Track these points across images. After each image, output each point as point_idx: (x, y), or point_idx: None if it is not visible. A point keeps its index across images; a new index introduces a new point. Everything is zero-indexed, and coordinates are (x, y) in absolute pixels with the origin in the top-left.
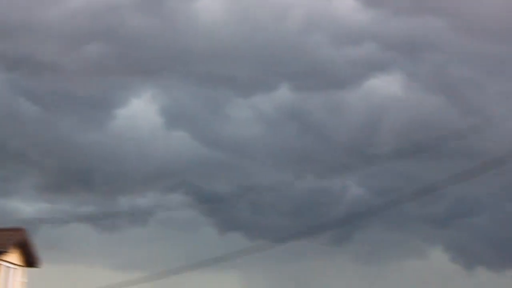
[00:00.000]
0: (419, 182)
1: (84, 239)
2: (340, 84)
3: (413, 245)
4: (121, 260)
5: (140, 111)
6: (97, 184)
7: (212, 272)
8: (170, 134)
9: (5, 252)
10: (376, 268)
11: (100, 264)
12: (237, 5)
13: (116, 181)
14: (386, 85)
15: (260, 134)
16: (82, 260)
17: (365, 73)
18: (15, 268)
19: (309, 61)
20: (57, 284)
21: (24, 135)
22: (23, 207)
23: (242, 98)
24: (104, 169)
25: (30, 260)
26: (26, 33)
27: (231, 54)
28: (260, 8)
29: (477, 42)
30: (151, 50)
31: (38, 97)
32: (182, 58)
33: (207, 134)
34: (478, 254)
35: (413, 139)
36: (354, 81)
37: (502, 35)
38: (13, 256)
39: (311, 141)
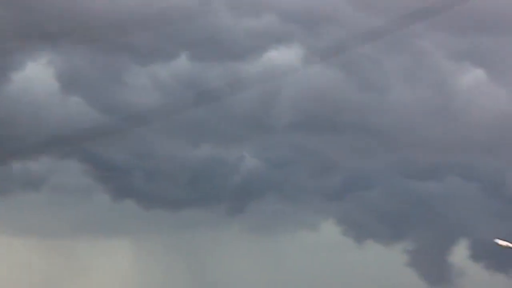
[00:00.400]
0: (315, 155)
1: None
2: (239, 55)
3: (306, 217)
4: (15, 225)
5: (36, 76)
6: None
7: (104, 238)
8: (66, 99)
9: None
10: (270, 239)
11: None
12: None
13: (9, 145)
14: (285, 58)
15: (157, 103)
16: None
17: (265, 45)
18: None
19: (209, 31)
20: None
21: None
22: None
23: (140, 66)
24: None
25: None
26: None
27: (131, 21)
28: None
29: (376, 18)
30: (49, 14)
31: None
32: (80, 24)
33: (103, 100)
34: (368, 227)
35: (310, 112)
36: (253, 52)
37: (400, 12)
38: None
39: (208, 111)
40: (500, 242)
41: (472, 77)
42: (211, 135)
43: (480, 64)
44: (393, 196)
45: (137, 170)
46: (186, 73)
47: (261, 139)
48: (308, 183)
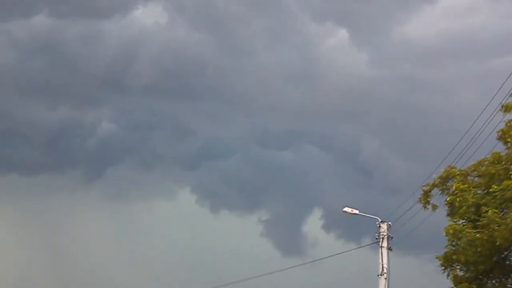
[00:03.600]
0: (172, 120)
1: None
2: (101, 13)
3: (162, 185)
4: None
5: None
6: None
7: None
8: None
9: None
10: (126, 207)
11: None
12: None
13: None
14: (149, 17)
15: (12, 62)
16: None
17: (130, 3)
18: None
19: None
20: None
21: None
22: None
23: None
24: None
25: None
26: None
27: None
28: None
29: None
30: None
31: None
32: None
33: None
34: (223, 197)
35: (169, 75)
36: (117, 10)
37: None
38: None
39: (65, 72)
40: (347, 209)
41: (335, 39)
42: (67, 96)
43: (344, 24)
44: (248, 165)
45: None
46: (44, 31)
47: (119, 102)
48: (164, 150)
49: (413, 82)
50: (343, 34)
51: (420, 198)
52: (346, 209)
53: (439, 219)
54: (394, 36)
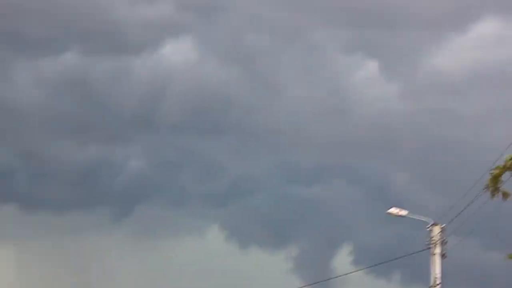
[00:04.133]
0: (200, 157)
1: None
2: (130, 48)
3: (190, 223)
4: None
5: None
6: None
7: None
8: None
9: None
10: (154, 244)
11: None
12: None
13: None
14: (178, 52)
15: (40, 100)
16: None
17: (158, 38)
18: None
19: (102, 21)
20: None
21: None
22: None
23: (26, 60)
24: None
25: None
26: None
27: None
28: None
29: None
30: None
31: None
32: None
33: None
34: (252, 234)
35: (198, 111)
36: (145, 46)
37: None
38: None
39: (94, 109)
40: (393, 210)
41: (364, 71)
42: (96, 133)
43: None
44: (277, 201)
45: (19, 172)
46: (73, 68)
47: (148, 140)
48: (193, 187)
49: (443, 114)
50: (372, 65)
51: (487, 185)
52: (392, 210)
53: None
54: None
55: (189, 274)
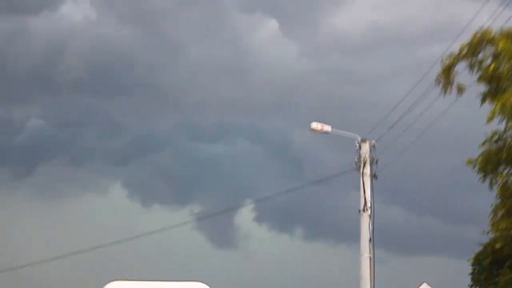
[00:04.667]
0: (102, 116)
1: None
2: (29, 8)
3: (93, 181)
4: None
5: None
6: None
7: None
8: None
9: None
10: (56, 203)
11: None
12: None
13: None
14: (78, 11)
15: None
16: None
17: None
18: None
19: None
20: None
21: None
22: None
23: None
24: None
25: None
26: None
27: None
28: None
29: None
30: None
31: None
32: None
33: None
34: (155, 191)
35: (98, 70)
36: (46, 6)
37: None
38: None
39: None
40: (315, 125)
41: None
42: None
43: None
44: (180, 159)
45: None
46: None
47: (47, 99)
48: (95, 146)
49: (342, 74)
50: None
51: (438, 78)
52: (314, 125)
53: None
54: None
55: (91, 232)
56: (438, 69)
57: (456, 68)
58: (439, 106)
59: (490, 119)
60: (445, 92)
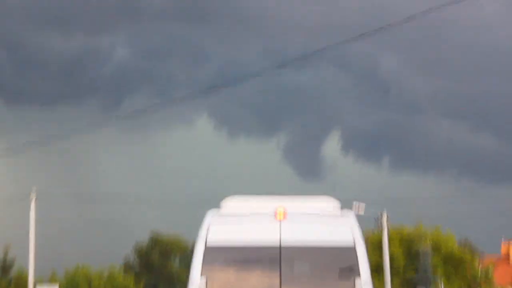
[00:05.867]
0: (186, 44)
1: None
2: None
3: (178, 112)
4: None
5: None
6: None
7: None
8: None
9: None
10: (143, 136)
11: None
12: None
13: None
14: None
15: None
16: None
17: None
18: None
19: None
20: None
21: None
22: None
23: None
24: None
25: None
26: None
27: None
28: None
29: None
30: None
31: None
32: None
33: None
34: (240, 122)
35: None
36: None
37: None
38: None
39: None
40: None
41: None
42: (81, 24)
43: None
44: (265, 87)
45: (4, 64)
46: None
47: (132, 28)
48: (180, 75)
49: None
50: None
51: None
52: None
53: None
54: None
55: (179, 165)
56: None
57: None
58: None
59: None
60: None
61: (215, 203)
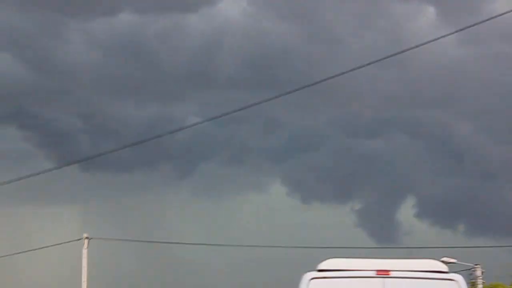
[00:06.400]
0: (259, 112)
1: None
2: (185, 6)
3: (252, 178)
4: None
5: None
6: None
7: (49, 206)
8: None
9: None
10: (217, 202)
11: None
12: None
13: None
14: (230, 9)
15: (96, 61)
16: None
17: None
18: None
19: None
20: None
21: None
22: None
23: (78, 22)
24: None
25: None
26: None
27: None
28: None
29: None
30: None
31: None
32: None
33: (39, 58)
34: (314, 188)
35: (254, 66)
36: (200, 4)
37: None
38: None
39: (149, 68)
40: (445, 259)
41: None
42: (153, 93)
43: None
44: (338, 154)
45: (81, 134)
46: (126, 28)
47: (204, 96)
48: (253, 142)
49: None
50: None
51: None
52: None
53: None
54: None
55: (253, 231)
56: None
57: None
58: None
59: None
60: None
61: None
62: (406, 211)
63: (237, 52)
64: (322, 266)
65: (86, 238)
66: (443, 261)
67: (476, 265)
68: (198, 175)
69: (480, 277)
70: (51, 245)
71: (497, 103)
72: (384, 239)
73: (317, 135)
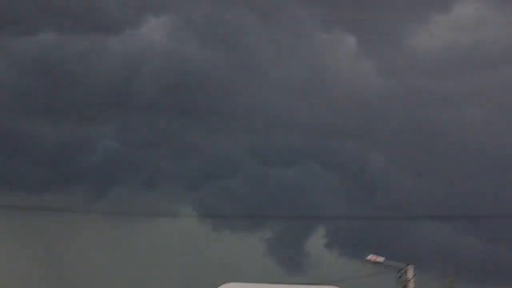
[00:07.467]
0: (174, 137)
1: None
2: (107, 28)
3: (164, 204)
4: None
5: None
6: None
7: None
8: None
9: None
10: (127, 226)
11: None
12: None
13: None
14: (154, 33)
15: (9, 80)
16: None
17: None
18: None
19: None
20: None
21: None
22: None
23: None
24: None
25: None
26: None
27: None
28: None
29: None
30: None
31: None
32: None
33: None
34: (225, 216)
35: (171, 92)
36: (123, 26)
37: None
38: None
39: (66, 89)
40: (371, 257)
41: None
42: (69, 113)
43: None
44: (252, 182)
45: None
46: (46, 48)
47: (121, 119)
48: (166, 167)
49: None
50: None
51: None
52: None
53: None
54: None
55: (162, 257)
56: None
57: None
58: None
59: None
60: None
61: None
62: (316, 241)
63: (158, 76)
64: None
65: None
66: (368, 260)
67: (408, 264)
68: (108, 199)
69: (412, 280)
70: None
71: (411, 136)
72: (293, 268)
73: (233, 161)
